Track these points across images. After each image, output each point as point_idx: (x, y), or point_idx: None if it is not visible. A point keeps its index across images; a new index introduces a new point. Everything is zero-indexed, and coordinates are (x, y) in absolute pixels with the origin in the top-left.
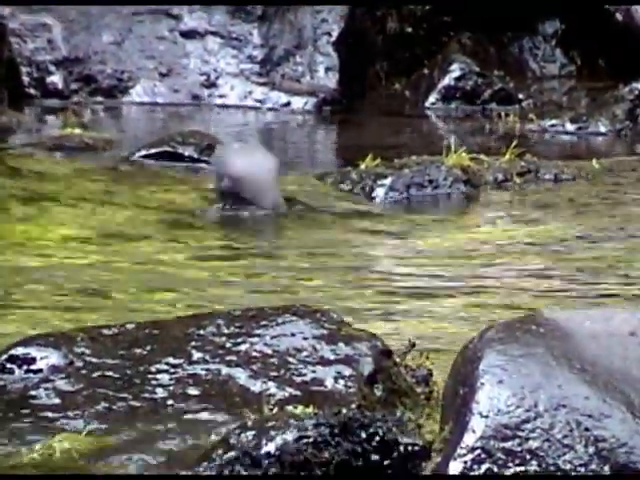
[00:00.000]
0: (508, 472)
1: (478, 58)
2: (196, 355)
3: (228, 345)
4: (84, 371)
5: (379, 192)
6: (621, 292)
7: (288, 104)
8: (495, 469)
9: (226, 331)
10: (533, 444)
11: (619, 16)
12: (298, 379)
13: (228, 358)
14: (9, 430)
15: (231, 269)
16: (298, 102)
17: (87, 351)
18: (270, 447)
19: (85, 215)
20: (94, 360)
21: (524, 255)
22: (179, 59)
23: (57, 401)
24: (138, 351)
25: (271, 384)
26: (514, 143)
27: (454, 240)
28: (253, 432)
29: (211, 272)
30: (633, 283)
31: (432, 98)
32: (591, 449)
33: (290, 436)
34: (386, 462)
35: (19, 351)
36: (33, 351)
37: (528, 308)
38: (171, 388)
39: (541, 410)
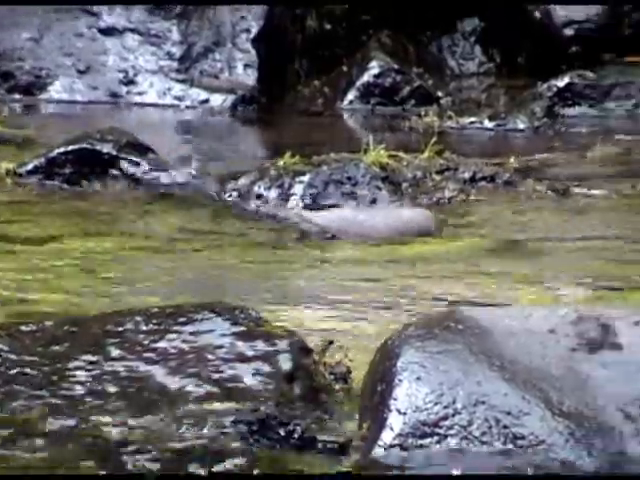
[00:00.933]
0: (427, 470)
1: (397, 56)
2: (114, 352)
3: (146, 342)
4: (2, 368)
5: (297, 189)
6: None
7: (207, 101)
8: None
9: (144, 328)
10: (451, 441)
11: (538, 14)
12: (216, 376)
13: (146, 355)
14: None
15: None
16: (217, 99)
17: (5, 348)
18: (188, 444)
19: None
20: (12, 357)
21: (444, 259)
22: (98, 56)
23: None
24: (56, 348)
25: (189, 381)
26: (433, 140)
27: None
28: (171, 429)
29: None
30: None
31: (351, 96)
32: (510, 446)
33: (208, 433)
34: (305, 459)
35: None
36: None
37: (447, 305)
38: (89, 385)
39: (459, 407)
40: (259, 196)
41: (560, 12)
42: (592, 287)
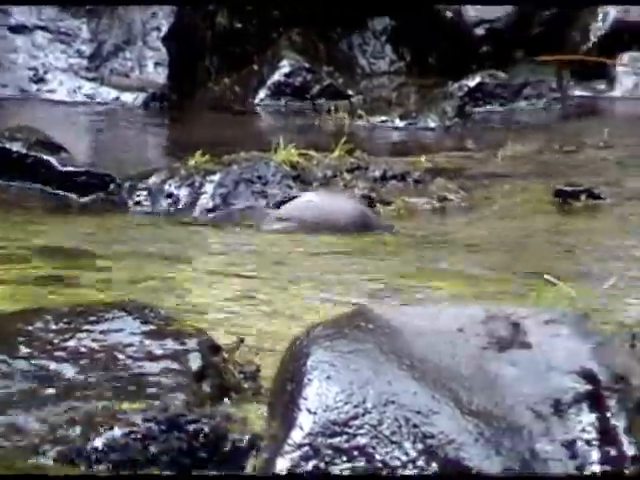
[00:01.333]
0: (336, 469)
1: (308, 54)
2: (24, 350)
3: (56, 341)
4: None
5: (208, 188)
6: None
7: (117, 99)
8: (322, 466)
9: (54, 327)
10: (361, 440)
11: (449, 13)
12: (126, 374)
13: (56, 354)
14: None
15: None
16: (128, 97)
17: None
18: (98, 443)
19: None
20: None
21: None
22: (7, 54)
23: None
24: None
25: (99, 380)
26: (343, 139)
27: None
28: (80, 427)
29: None
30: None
31: (262, 94)
32: (419, 445)
33: (118, 432)
34: (214, 458)
35: None
36: None
37: (353, 304)
38: None
39: (369, 406)
40: (169, 195)
41: (471, 12)
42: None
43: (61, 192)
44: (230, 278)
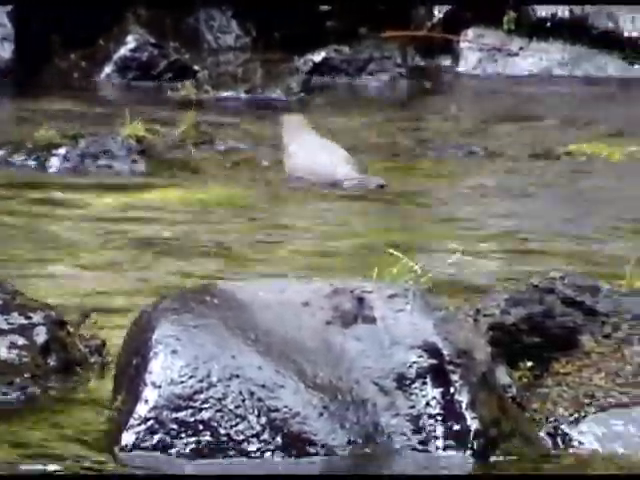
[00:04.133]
0: (181, 442)
1: (154, 30)
2: None
3: None
4: None
5: (54, 162)
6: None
7: None
8: (168, 440)
9: None
10: (206, 414)
11: None
12: None
13: None
14: None
15: None
16: None
17: None
18: None
19: None
20: None
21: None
22: None
23: None
24: None
25: None
26: (189, 114)
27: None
28: None
29: None
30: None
31: (108, 69)
32: (263, 419)
33: None
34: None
35: None
36: None
37: (201, 276)
38: None
39: (214, 380)
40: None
41: None
42: None
43: None
44: (81, 253)
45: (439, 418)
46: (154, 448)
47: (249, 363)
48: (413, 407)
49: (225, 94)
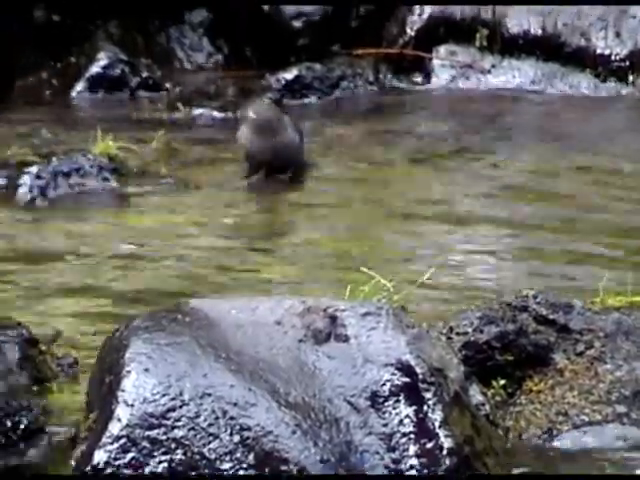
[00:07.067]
0: (153, 461)
1: (126, 47)
2: None
3: None
4: None
5: (25, 180)
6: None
7: None
8: (141, 458)
9: None
10: (179, 433)
11: (266, 6)
12: None
13: None
14: None
15: None
16: None
17: None
18: None
19: None
20: None
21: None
22: None
23: None
24: None
25: None
26: (161, 132)
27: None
28: None
29: None
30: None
31: (79, 87)
32: (236, 437)
33: None
34: (32, 451)
35: None
36: None
37: (183, 294)
38: None
39: (187, 399)
40: None
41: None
42: None
43: None
44: (56, 270)
45: (412, 436)
46: (127, 466)
47: (221, 381)
48: (386, 425)
49: (197, 111)
